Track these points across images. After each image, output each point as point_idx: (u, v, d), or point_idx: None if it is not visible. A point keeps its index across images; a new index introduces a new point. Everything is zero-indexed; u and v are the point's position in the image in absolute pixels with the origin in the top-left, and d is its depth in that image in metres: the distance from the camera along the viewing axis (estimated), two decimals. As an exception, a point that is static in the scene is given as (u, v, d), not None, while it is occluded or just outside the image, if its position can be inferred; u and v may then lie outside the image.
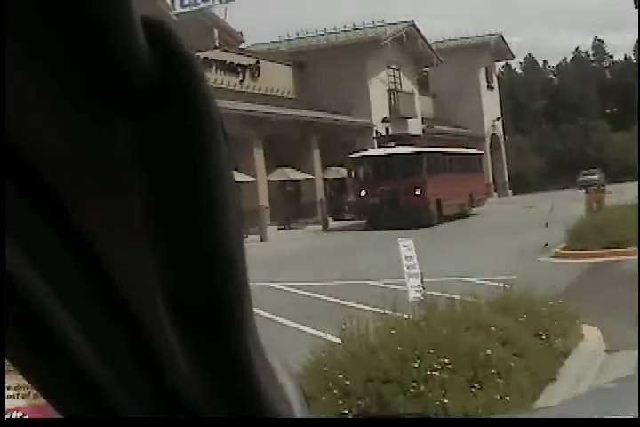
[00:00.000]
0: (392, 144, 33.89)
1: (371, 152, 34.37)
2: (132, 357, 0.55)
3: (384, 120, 43.57)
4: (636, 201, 17.00)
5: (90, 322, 0.53)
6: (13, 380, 2.52)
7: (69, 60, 0.42)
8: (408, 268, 8.55)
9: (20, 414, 2.15)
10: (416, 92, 49.12)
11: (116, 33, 0.42)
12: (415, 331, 6.47)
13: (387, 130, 42.15)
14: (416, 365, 5.75)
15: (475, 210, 37.13)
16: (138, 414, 0.56)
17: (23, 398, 2.22)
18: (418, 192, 31.02)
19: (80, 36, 0.42)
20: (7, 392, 2.29)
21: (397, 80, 46.86)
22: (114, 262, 0.50)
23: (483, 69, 59.65)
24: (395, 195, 30.94)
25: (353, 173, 33.69)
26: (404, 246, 8.71)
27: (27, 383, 2.13)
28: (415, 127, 46.08)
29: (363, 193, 31.98)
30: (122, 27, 0.42)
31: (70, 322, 0.53)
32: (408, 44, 46.51)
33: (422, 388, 5.54)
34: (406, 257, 8.64)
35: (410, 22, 47.13)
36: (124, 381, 0.56)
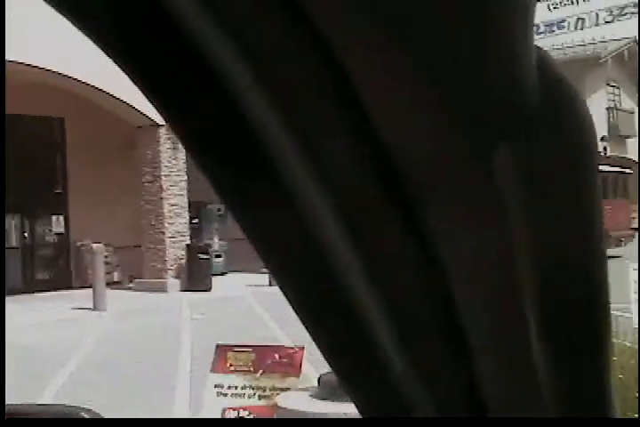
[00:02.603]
0: None
1: None
2: (450, 361, 0.53)
3: (602, 139, 42.09)
4: None
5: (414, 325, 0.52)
6: (240, 380, 2.63)
7: (459, 77, 0.42)
8: (635, 293, 8.14)
9: (246, 413, 2.25)
10: (636, 110, 47.14)
11: (514, 57, 0.43)
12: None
13: (604, 149, 40.65)
14: None
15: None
16: (437, 414, 0.54)
17: (249, 398, 2.32)
18: None
19: (475, 53, 0.42)
20: (234, 391, 2.41)
21: (617, 98, 45.17)
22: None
23: None
24: None
25: None
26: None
27: (252, 384, 2.19)
28: (634, 147, 44.20)
29: None
30: (519, 49, 0.43)
31: (387, 323, 0.51)
32: (630, 61, 44.75)
33: None
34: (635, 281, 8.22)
35: (632, 38, 45.35)
36: (431, 382, 0.54)
